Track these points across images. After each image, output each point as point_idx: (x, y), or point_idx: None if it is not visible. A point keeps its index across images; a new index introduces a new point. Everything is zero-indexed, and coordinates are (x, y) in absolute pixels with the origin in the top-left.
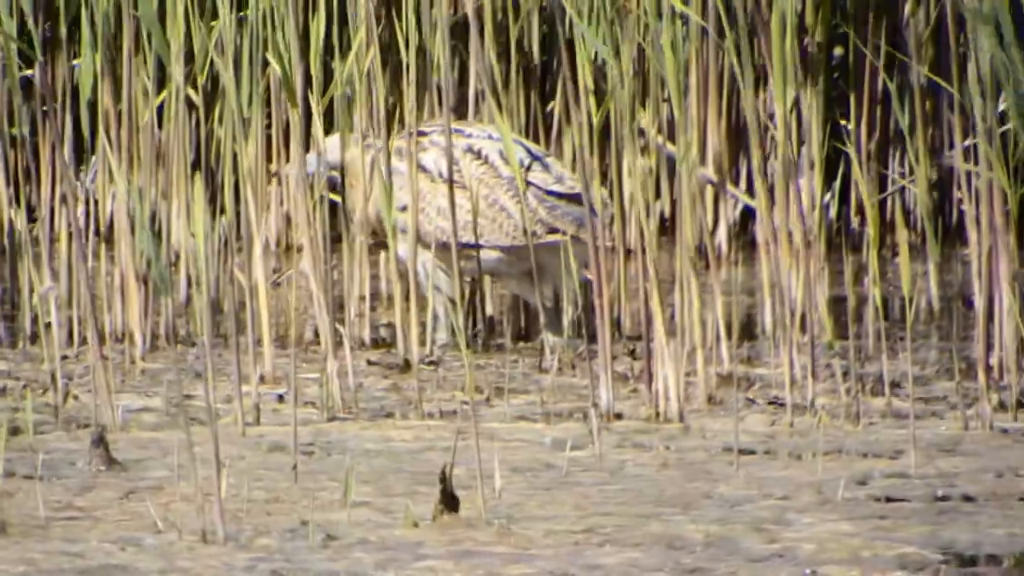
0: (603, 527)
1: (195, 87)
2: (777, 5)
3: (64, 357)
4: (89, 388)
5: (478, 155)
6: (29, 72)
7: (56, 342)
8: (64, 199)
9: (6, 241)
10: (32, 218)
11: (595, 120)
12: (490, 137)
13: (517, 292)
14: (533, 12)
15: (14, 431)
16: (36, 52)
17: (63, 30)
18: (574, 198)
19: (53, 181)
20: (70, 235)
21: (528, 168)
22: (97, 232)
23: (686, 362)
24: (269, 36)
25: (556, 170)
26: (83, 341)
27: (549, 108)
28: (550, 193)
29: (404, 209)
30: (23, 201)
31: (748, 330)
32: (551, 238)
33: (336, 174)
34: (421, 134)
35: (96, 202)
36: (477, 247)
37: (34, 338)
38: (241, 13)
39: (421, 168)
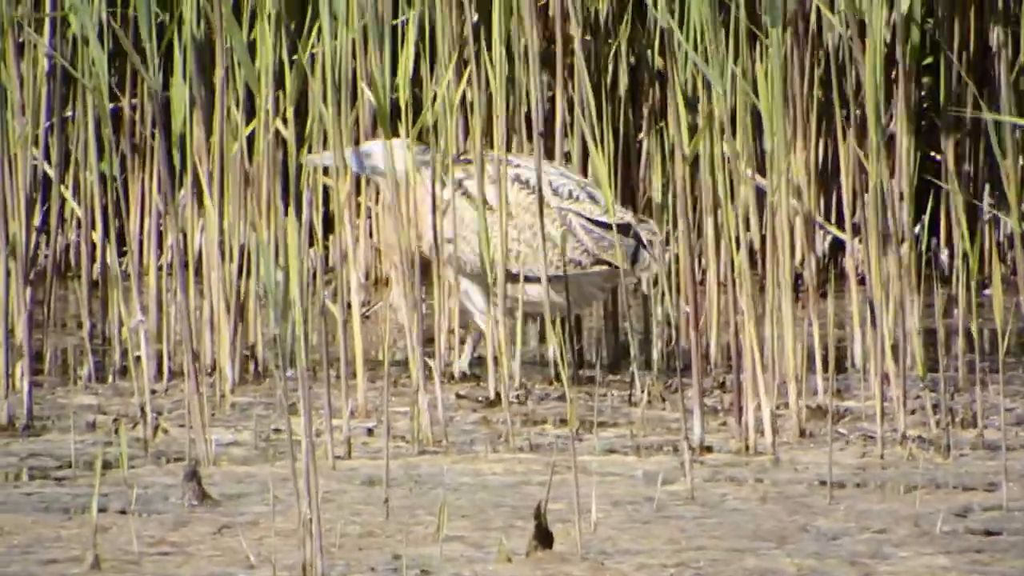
0: (697, 561)
1: (284, 119)
2: (871, 36)
3: (153, 391)
4: (179, 422)
5: (526, 184)
6: (118, 104)
7: (146, 376)
8: (158, 231)
9: (97, 275)
10: (122, 252)
11: (687, 150)
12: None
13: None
14: (622, 42)
15: (106, 465)
16: (149, 77)
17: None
18: (622, 229)
19: (142, 214)
20: (159, 268)
21: (574, 198)
22: (186, 265)
23: (776, 395)
24: (359, 67)
25: (604, 201)
26: (172, 375)
27: (639, 138)
28: (598, 223)
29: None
30: (112, 235)
31: (838, 362)
32: (596, 269)
33: (378, 178)
34: (467, 162)
35: (185, 235)
36: (518, 277)
37: (124, 372)
38: (328, 44)
39: (466, 195)
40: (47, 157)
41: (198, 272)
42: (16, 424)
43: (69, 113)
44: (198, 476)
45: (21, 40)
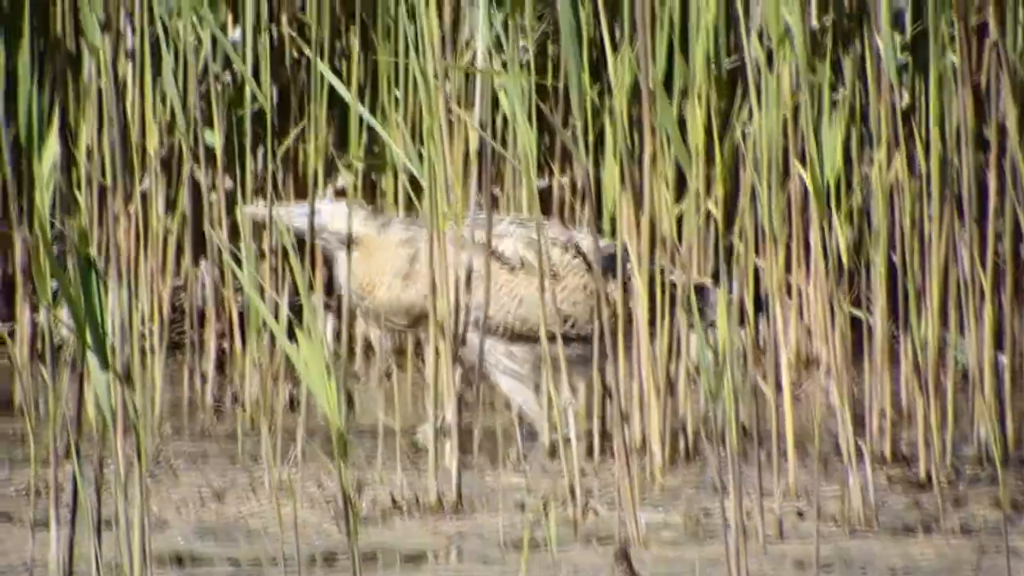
0: None
1: (714, 198)
2: None
3: (583, 471)
4: (609, 502)
5: (564, 247)
6: (547, 181)
7: (575, 456)
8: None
9: None
10: None
11: None
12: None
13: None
14: None
15: (534, 546)
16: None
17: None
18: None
19: None
20: None
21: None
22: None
23: None
24: (790, 145)
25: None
26: (601, 454)
27: None
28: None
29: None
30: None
31: None
32: None
33: (330, 241)
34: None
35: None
36: (572, 339)
37: (552, 452)
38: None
39: (498, 258)
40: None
41: (627, 351)
42: (445, 504)
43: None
44: (628, 557)
45: (450, 119)
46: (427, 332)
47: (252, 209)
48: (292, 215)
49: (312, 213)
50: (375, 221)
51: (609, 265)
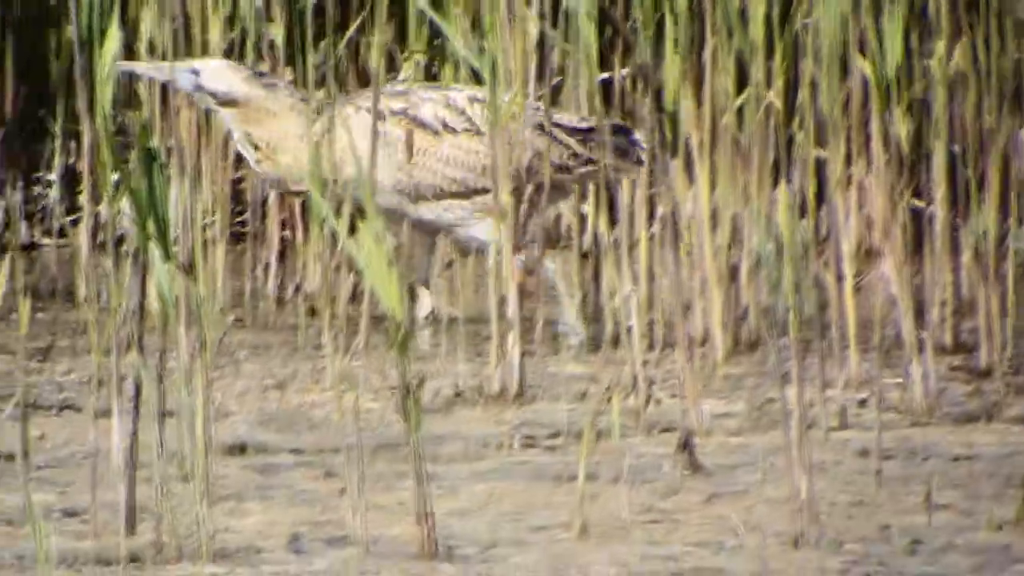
0: None
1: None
2: None
3: (645, 362)
4: (671, 392)
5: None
6: (609, 74)
7: (637, 346)
8: (649, 201)
9: (587, 246)
10: (612, 222)
11: None
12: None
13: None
14: None
15: (598, 435)
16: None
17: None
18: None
19: (633, 185)
20: (650, 239)
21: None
22: (677, 235)
23: None
24: (851, 37)
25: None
26: (664, 345)
27: None
28: (578, 130)
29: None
30: (603, 205)
31: None
32: (583, 170)
33: (214, 103)
34: (401, 94)
35: (676, 205)
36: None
37: (615, 342)
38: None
39: (418, 123)
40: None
41: (689, 241)
42: (507, 393)
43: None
44: (691, 446)
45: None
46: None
47: (128, 65)
48: (174, 73)
49: (194, 73)
50: (258, 81)
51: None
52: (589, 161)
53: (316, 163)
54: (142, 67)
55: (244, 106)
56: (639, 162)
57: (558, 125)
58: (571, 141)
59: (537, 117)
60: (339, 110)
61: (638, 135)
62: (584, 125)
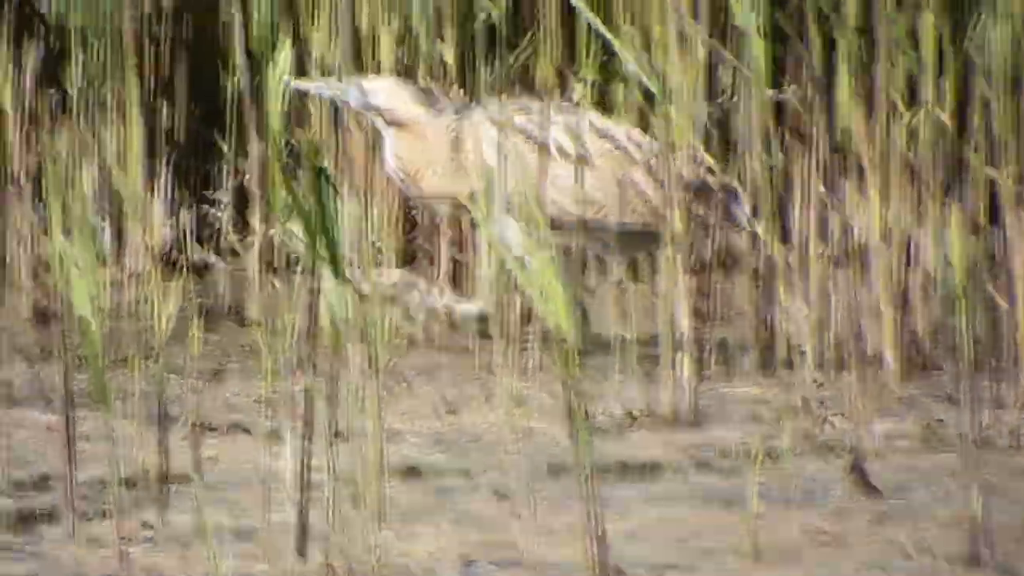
0: None
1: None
2: None
3: (817, 383)
4: (842, 413)
5: (606, 135)
6: (780, 92)
7: (809, 367)
8: (821, 221)
9: (760, 266)
10: (785, 242)
11: None
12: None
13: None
14: None
15: (769, 457)
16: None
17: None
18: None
19: (805, 204)
20: (822, 258)
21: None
22: (848, 254)
23: None
24: (1022, 58)
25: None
26: (836, 366)
27: None
28: (691, 184)
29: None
30: (776, 225)
31: None
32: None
33: (382, 122)
34: (529, 111)
35: (849, 225)
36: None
37: (788, 363)
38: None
39: (534, 141)
40: (707, 148)
41: (861, 261)
42: (679, 415)
43: (733, 100)
44: (861, 468)
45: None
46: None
47: (298, 82)
48: (343, 90)
49: (361, 90)
50: (426, 101)
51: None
52: (696, 217)
53: (489, 187)
54: (311, 84)
55: (409, 126)
56: (739, 225)
57: (675, 175)
58: (680, 193)
59: (653, 160)
60: (471, 120)
61: (743, 200)
62: (695, 179)
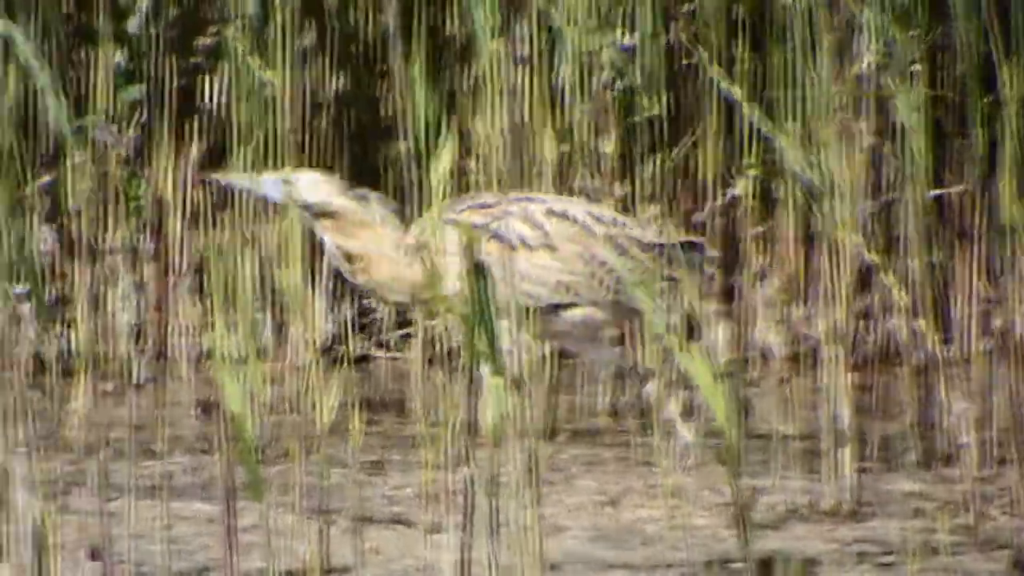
0: None
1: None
2: None
3: (979, 478)
4: (1005, 509)
5: (564, 216)
6: (941, 189)
7: (971, 462)
8: (983, 316)
9: (921, 361)
10: (946, 338)
11: None
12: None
13: (593, 357)
14: None
15: (931, 552)
16: None
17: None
18: (685, 246)
19: (967, 300)
20: (983, 354)
21: (619, 225)
22: (1010, 350)
23: None
24: None
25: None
26: (998, 461)
27: None
28: (653, 245)
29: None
30: (937, 321)
31: None
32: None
33: (308, 215)
34: (482, 206)
35: (1010, 320)
36: (567, 307)
37: (948, 459)
38: None
39: (497, 238)
40: (869, 244)
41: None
42: (841, 509)
43: (894, 197)
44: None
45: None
46: (426, 309)
47: (218, 176)
48: (264, 186)
49: (284, 185)
50: (351, 193)
51: None
52: (664, 278)
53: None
54: (231, 178)
55: (338, 218)
56: (705, 275)
57: (634, 240)
58: (643, 256)
59: (612, 231)
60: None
61: (707, 248)
62: (659, 241)
